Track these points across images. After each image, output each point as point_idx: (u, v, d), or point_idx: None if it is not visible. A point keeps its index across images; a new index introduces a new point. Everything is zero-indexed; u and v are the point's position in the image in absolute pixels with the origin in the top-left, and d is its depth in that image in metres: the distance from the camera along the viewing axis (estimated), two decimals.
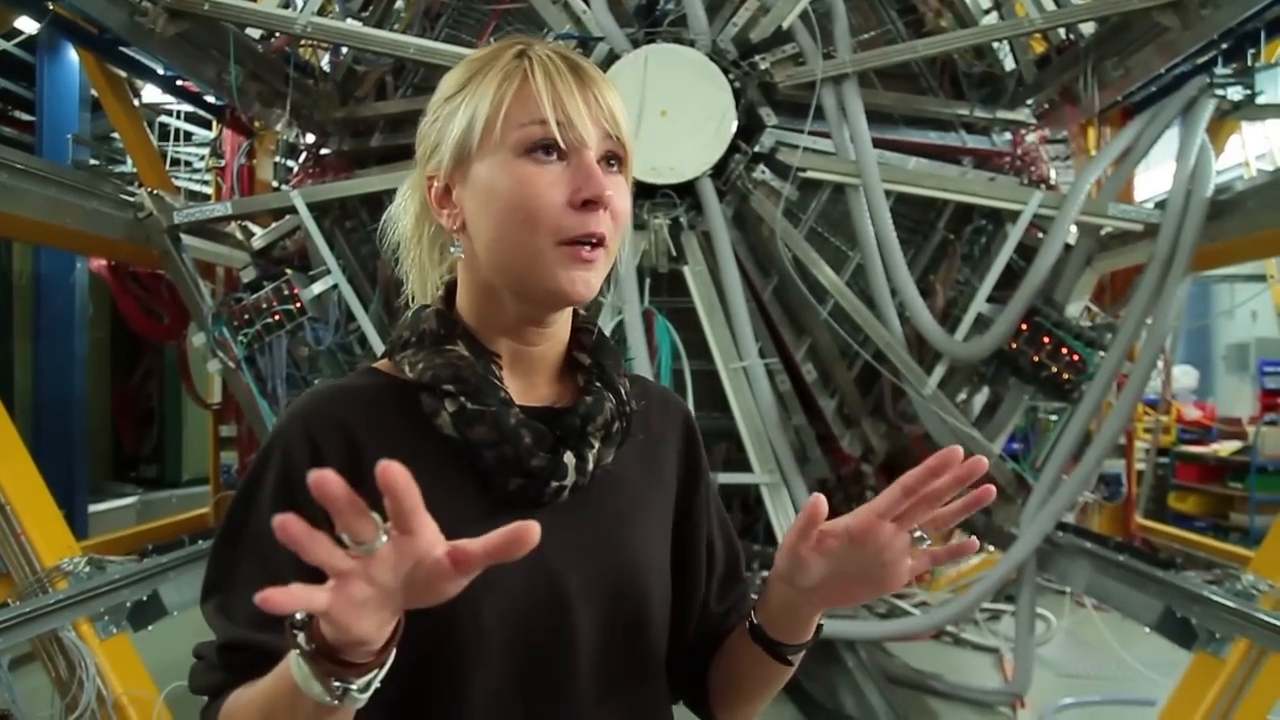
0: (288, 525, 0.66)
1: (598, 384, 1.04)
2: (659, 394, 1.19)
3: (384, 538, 0.69)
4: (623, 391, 1.05)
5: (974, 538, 0.95)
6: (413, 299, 1.12)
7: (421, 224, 1.10)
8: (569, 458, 0.98)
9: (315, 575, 0.77)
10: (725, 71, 3.99)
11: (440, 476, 0.88)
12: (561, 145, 0.95)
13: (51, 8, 4.03)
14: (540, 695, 0.97)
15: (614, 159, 1.00)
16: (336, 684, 0.75)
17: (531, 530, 0.69)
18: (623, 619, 1.02)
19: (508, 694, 0.95)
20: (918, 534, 0.93)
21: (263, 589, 0.73)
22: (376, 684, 0.78)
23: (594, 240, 0.96)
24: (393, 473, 0.66)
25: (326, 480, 0.65)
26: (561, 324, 1.06)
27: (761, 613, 1.04)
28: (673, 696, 1.15)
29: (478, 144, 0.97)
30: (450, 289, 1.07)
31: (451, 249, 1.04)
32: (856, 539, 0.91)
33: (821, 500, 0.90)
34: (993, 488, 0.90)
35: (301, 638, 0.75)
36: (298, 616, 0.76)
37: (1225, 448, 8.68)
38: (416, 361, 1.00)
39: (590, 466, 1.00)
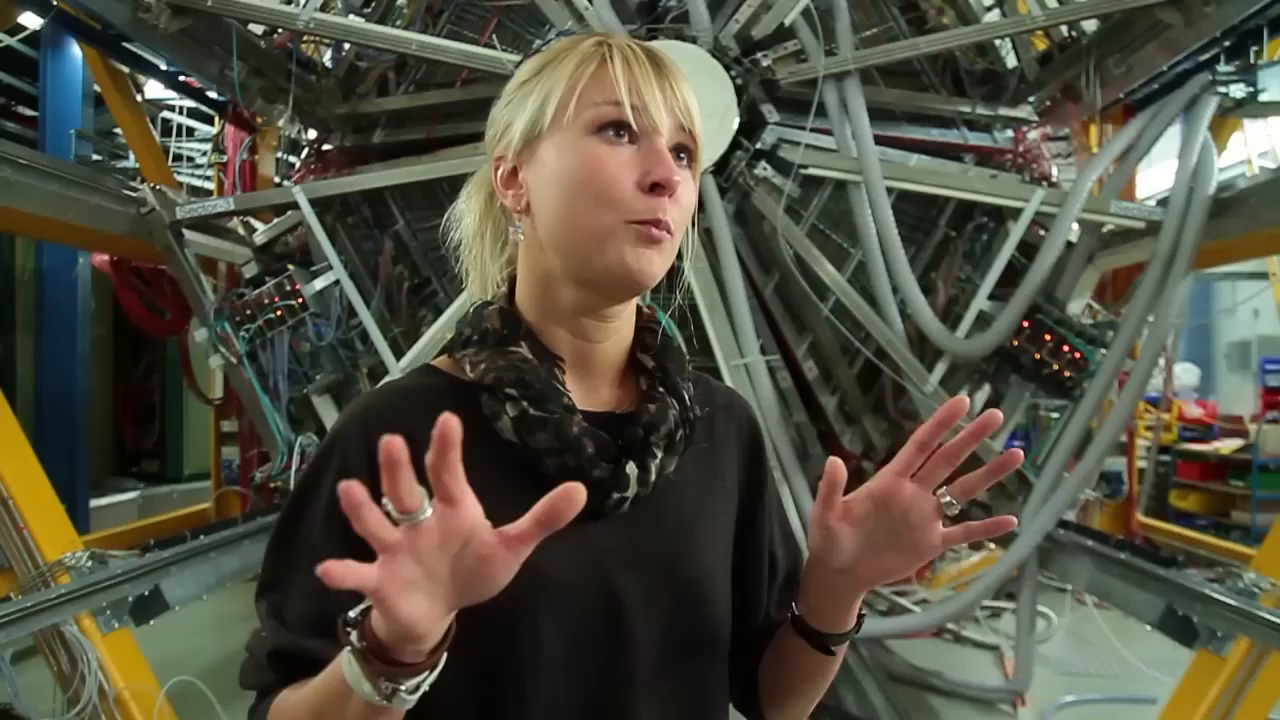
0: (350, 491, 0.66)
1: (661, 389, 1.02)
2: (724, 396, 1.16)
3: (429, 510, 0.69)
4: (687, 398, 1.03)
5: (1012, 516, 0.93)
6: (473, 297, 1.10)
7: (485, 221, 1.08)
8: (631, 468, 0.96)
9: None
10: (727, 68, 3.99)
11: (501, 481, 0.86)
12: (634, 127, 0.94)
13: (55, 3, 4.04)
14: (598, 706, 0.95)
15: (684, 152, 0.98)
16: (386, 684, 0.75)
17: (577, 492, 0.69)
18: (681, 631, 1.00)
19: (565, 704, 0.94)
20: (947, 499, 0.91)
21: (314, 594, 0.79)
22: (425, 686, 0.77)
23: (661, 226, 0.93)
24: (445, 427, 0.67)
25: (393, 444, 0.66)
26: (624, 319, 1.03)
27: (802, 603, 1.02)
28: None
29: (550, 123, 0.96)
30: (512, 285, 1.05)
31: (512, 230, 1.03)
32: (880, 501, 0.91)
33: (838, 463, 0.89)
34: (1019, 452, 0.89)
35: (354, 635, 0.75)
36: (351, 614, 0.76)
37: (1227, 446, 8.67)
38: (479, 361, 0.98)
39: (653, 477, 0.98)
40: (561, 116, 0.95)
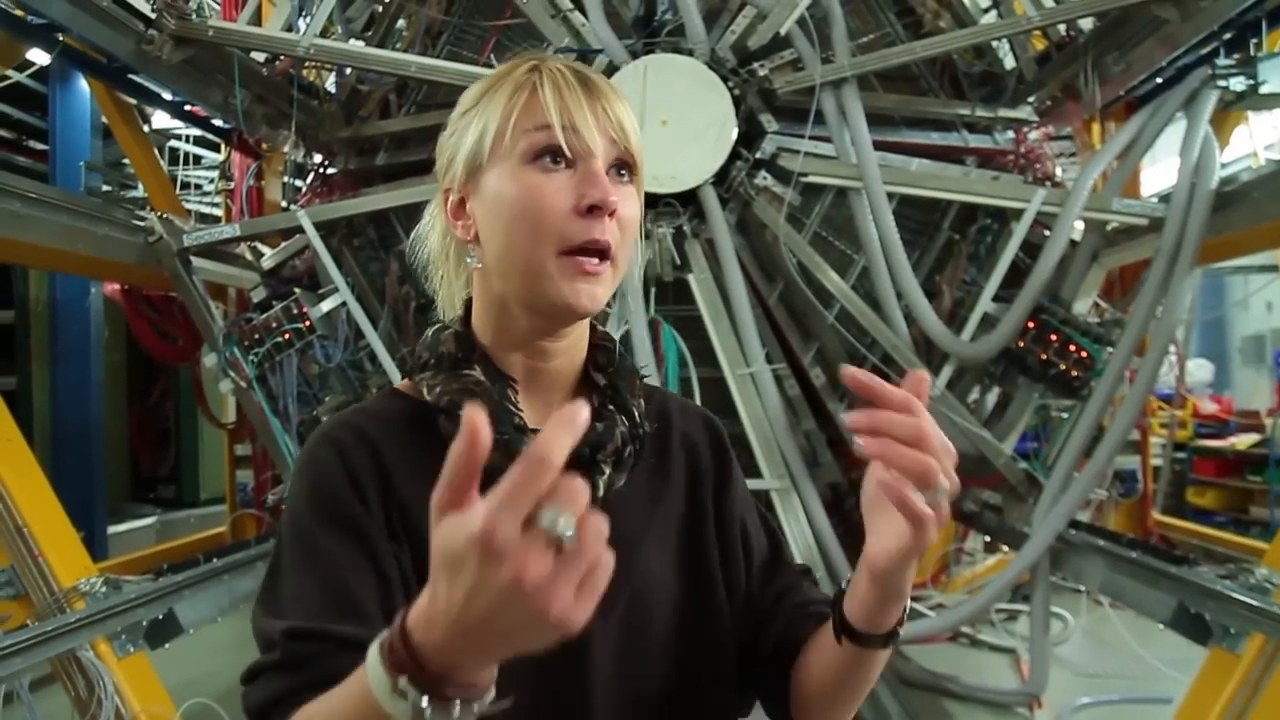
0: (474, 419, 0.63)
1: (611, 406, 1.05)
2: (679, 408, 1.19)
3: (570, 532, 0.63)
4: (636, 415, 1.05)
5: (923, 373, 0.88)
6: (443, 315, 1.13)
7: (446, 239, 1.11)
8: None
9: (361, 564, 0.88)
10: (724, 79, 4.01)
11: None
12: (568, 152, 0.96)
13: (61, 39, 4.10)
14: (557, 712, 0.97)
15: (624, 168, 1.01)
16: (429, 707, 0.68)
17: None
18: (635, 639, 1.02)
19: (524, 710, 0.89)
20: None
21: (316, 588, 0.84)
22: None
23: (598, 249, 0.96)
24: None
25: (545, 451, 0.63)
26: (576, 338, 1.06)
27: (847, 602, 1.00)
28: (752, 700, 1.14)
29: (489, 154, 0.99)
30: (468, 307, 1.08)
31: (468, 259, 1.05)
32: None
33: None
34: (925, 375, 0.87)
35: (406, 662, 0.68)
36: (405, 683, 0.67)
37: (1243, 441, 8.58)
38: (435, 384, 1.02)
39: (600, 493, 0.99)
40: (499, 146, 0.98)
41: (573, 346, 1.06)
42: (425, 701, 0.67)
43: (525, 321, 1.01)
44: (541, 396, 1.06)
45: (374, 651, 0.70)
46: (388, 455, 0.98)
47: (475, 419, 0.63)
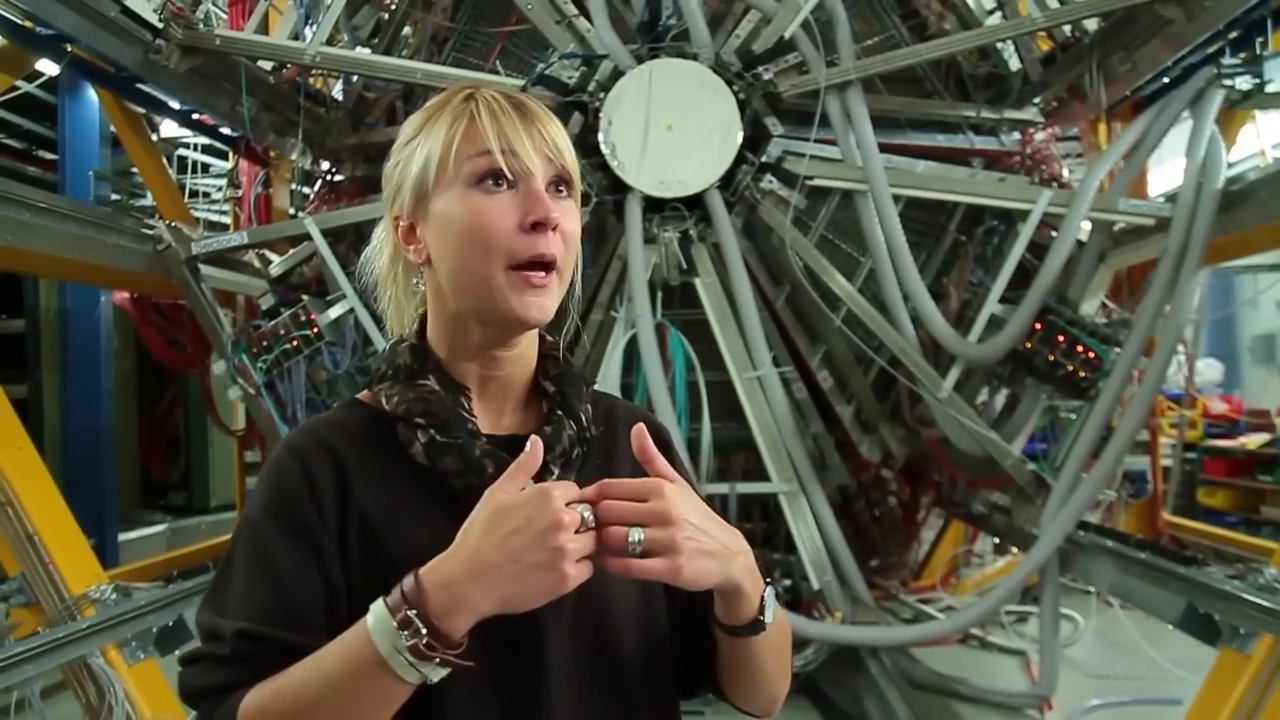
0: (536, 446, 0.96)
1: (559, 412, 1.12)
2: (626, 413, 1.25)
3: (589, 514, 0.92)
4: (583, 419, 1.13)
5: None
6: (391, 333, 1.21)
7: (396, 262, 1.17)
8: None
9: (311, 575, 0.95)
10: (729, 83, 4.02)
11: (416, 501, 1.04)
12: (509, 174, 1.04)
13: (70, 49, 4.11)
14: (517, 707, 1.03)
15: (562, 184, 1.08)
16: (421, 654, 0.86)
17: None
18: (591, 634, 1.08)
19: (485, 707, 1.01)
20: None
21: (273, 593, 0.93)
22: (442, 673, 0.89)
23: (545, 263, 1.04)
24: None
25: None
26: (525, 347, 1.13)
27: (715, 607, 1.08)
28: (704, 689, 1.22)
29: (434, 181, 1.06)
30: (423, 322, 1.15)
31: (415, 281, 1.14)
32: None
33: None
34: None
35: (407, 604, 0.87)
36: (404, 586, 0.89)
37: (1254, 440, 8.54)
38: (392, 395, 1.08)
39: None
40: (444, 174, 1.06)
41: (522, 356, 1.14)
42: (423, 631, 0.86)
43: (478, 333, 1.09)
44: (494, 403, 1.13)
45: (379, 602, 0.89)
46: (349, 462, 1.06)
47: (537, 446, 0.95)
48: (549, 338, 1.18)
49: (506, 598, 0.88)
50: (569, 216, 1.07)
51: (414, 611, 0.87)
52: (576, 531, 0.89)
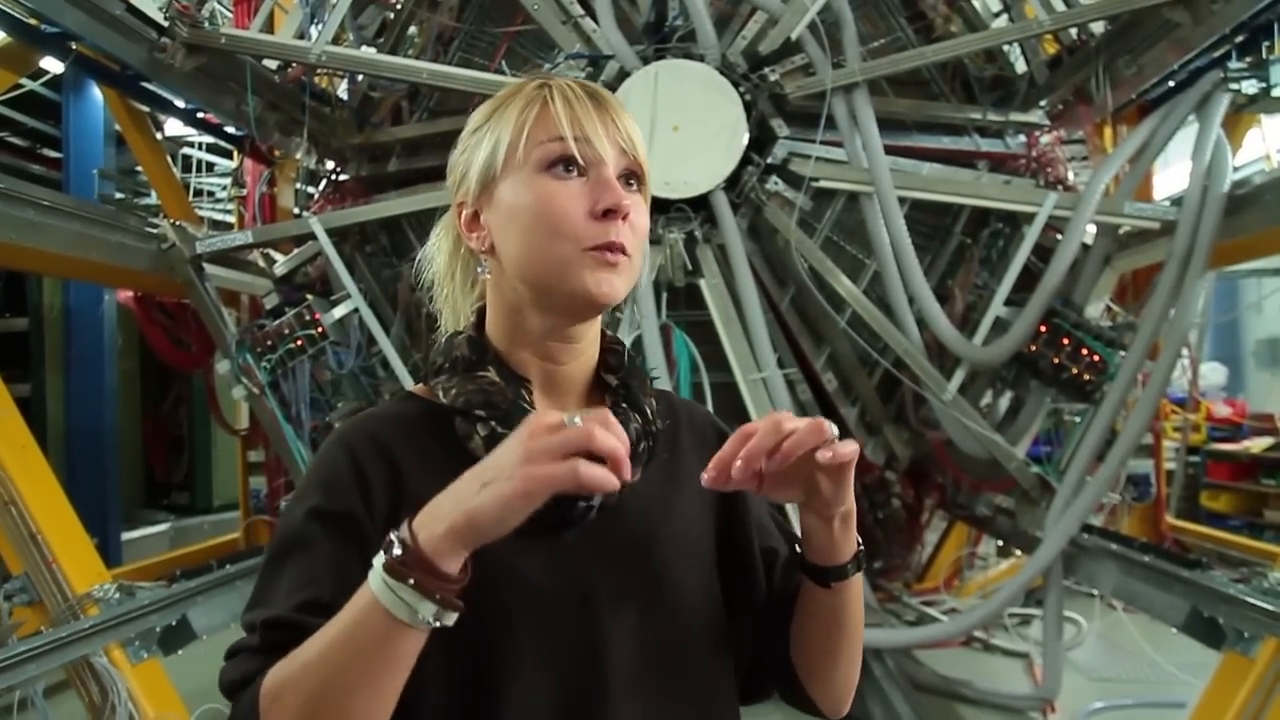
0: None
1: (624, 405, 1.08)
2: (685, 409, 1.23)
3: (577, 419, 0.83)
4: (649, 411, 1.09)
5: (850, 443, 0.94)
6: (447, 330, 1.17)
7: (454, 261, 1.15)
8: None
9: (352, 566, 0.89)
10: (735, 84, 4.02)
11: None
12: (580, 161, 1.01)
13: (74, 48, 4.11)
14: (578, 704, 0.99)
15: (632, 178, 1.05)
16: (421, 597, 0.81)
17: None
18: (656, 633, 1.04)
19: (546, 703, 0.98)
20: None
21: (307, 584, 0.90)
22: (448, 621, 0.84)
23: (617, 248, 1.00)
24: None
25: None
26: (589, 341, 1.10)
27: (806, 554, 1.05)
28: (770, 693, 1.18)
29: (502, 166, 1.03)
30: (481, 315, 1.11)
31: (479, 269, 1.10)
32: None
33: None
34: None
35: (397, 545, 0.82)
36: (399, 532, 0.83)
37: (1258, 444, 8.53)
38: (450, 387, 1.05)
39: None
40: (512, 159, 1.02)
41: (585, 350, 1.10)
42: (404, 557, 0.81)
43: (541, 322, 1.05)
44: (556, 399, 1.09)
45: (379, 555, 0.84)
46: (400, 455, 1.02)
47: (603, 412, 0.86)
48: (609, 332, 1.15)
49: (472, 510, 0.81)
50: (639, 210, 1.04)
51: (402, 542, 0.82)
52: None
